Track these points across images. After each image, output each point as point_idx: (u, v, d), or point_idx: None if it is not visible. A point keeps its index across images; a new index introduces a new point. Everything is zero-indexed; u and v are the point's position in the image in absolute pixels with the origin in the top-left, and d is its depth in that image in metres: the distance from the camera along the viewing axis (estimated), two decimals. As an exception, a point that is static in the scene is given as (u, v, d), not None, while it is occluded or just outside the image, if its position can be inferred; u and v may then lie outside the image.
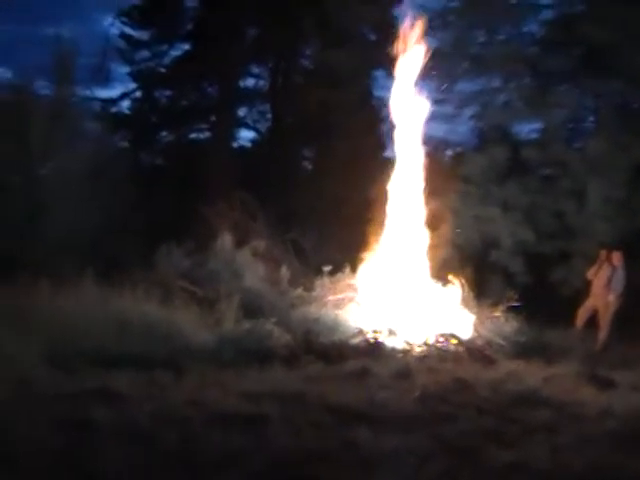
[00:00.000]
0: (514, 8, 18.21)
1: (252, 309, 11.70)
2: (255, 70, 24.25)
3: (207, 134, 23.89)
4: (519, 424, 7.20)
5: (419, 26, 17.40)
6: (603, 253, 14.07)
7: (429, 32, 17.59)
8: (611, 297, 13.65)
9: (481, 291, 13.52)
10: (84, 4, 27.13)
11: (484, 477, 5.59)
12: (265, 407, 6.91)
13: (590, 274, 14.13)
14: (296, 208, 19.00)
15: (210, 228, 14.62)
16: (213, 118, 23.40)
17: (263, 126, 24.84)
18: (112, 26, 22.79)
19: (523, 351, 11.54)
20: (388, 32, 20.67)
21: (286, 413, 6.82)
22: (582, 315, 14.00)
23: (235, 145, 23.69)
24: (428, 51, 16.11)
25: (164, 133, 23.84)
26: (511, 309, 12.87)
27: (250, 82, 24.26)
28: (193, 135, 24.07)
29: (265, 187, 19.10)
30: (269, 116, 24.82)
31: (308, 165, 24.45)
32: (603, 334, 13.53)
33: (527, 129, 18.56)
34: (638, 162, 15.88)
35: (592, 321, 13.93)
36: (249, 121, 24.81)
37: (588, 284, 14.22)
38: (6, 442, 5.51)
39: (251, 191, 15.92)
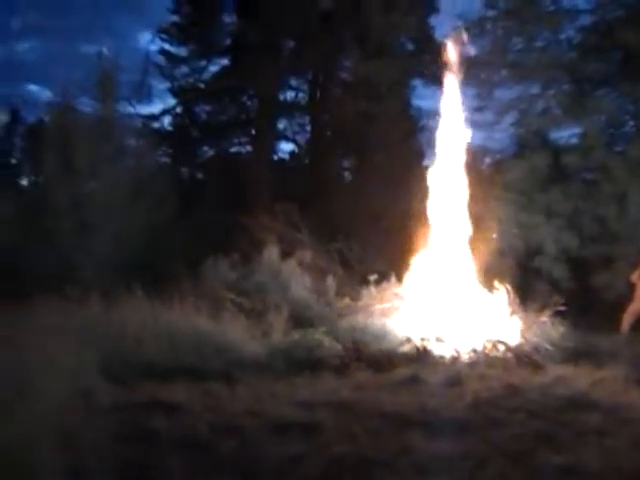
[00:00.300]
0: (551, 15, 18.22)
1: (300, 319, 11.89)
2: (294, 83, 24.46)
3: (248, 147, 24.17)
4: (570, 427, 7.27)
5: (457, 35, 17.72)
6: (644, 256, 14.13)
7: (467, 41, 17.86)
8: (655, 300, 13.66)
9: (526, 297, 13.53)
10: (122, 21, 27.65)
11: (536, 476, 5.69)
12: (320, 415, 7.06)
13: (634, 278, 14.17)
14: (338, 218, 19.17)
15: (255, 240, 14.86)
16: (253, 131, 23.67)
17: (302, 138, 25.10)
18: (152, 43, 23.21)
19: (570, 356, 11.53)
20: (426, 42, 20.98)
21: (341, 421, 6.96)
22: (627, 319, 14.03)
23: (276, 157, 23.89)
24: (467, 60, 16.32)
25: (205, 147, 24.18)
26: (557, 314, 12.88)
27: (289, 95, 24.49)
28: (234, 149, 24.34)
29: (306, 198, 19.30)
30: (308, 128, 25.06)
31: (348, 176, 24.60)
32: (650, 337, 13.52)
33: (567, 135, 18.57)
34: (680, 166, 15.86)
35: (638, 325, 13.93)
36: (289, 134, 25.08)
37: (632, 288, 14.25)
38: (75, 454, 5.68)
39: (293, 202, 16.12)
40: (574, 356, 11.48)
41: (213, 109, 24.47)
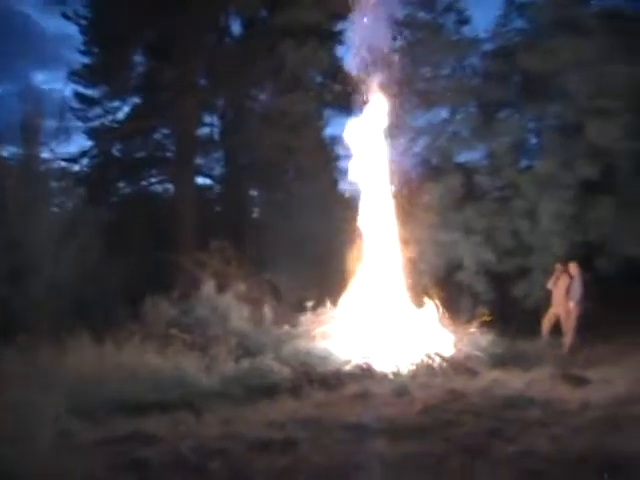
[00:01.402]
0: (455, 44, 19.25)
1: (243, 349, 12.44)
2: (208, 119, 24.92)
3: (168, 185, 24.55)
4: (514, 422, 8.16)
5: (367, 66, 18.61)
6: (560, 265, 15.19)
7: (377, 71, 18.76)
8: (571, 304, 14.77)
9: (454, 310, 14.46)
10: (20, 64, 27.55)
11: (497, 467, 6.45)
12: (291, 432, 7.72)
13: (550, 285, 15.26)
14: (265, 250, 19.74)
15: (191, 277, 15.36)
16: (172, 169, 24.01)
17: (220, 172, 25.58)
18: (66, 85, 23.31)
19: (500, 361, 12.54)
20: (337, 74, 21.78)
21: (311, 435, 7.63)
22: (547, 324, 15.18)
23: (196, 193, 24.20)
24: (378, 89, 17.16)
25: (125, 187, 24.43)
26: (484, 324, 13.84)
27: (205, 130, 24.93)
28: (155, 187, 24.68)
29: (230, 232, 19.75)
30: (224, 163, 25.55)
31: (269, 208, 25.12)
32: (568, 339, 14.58)
33: (478, 156, 19.53)
34: (583, 179, 16.96)
35: (557, 328, 14.98)
36: (206, 169, 25.51)
37: (549, 295, 15.31)
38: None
39: (217, 237, 16.60)
40: (504, 361, 12.50)
41: (129, 148, 24.72)
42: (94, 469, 6.66)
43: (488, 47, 19.72)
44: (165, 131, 24.58)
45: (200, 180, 25.13)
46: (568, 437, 7.35)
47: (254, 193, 26.49)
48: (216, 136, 25.64)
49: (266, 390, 10.35)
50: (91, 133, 24.14)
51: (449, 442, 7.28)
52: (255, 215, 25.38)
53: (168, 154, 24.67)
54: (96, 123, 24.13)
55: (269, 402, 9.71)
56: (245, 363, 11.54)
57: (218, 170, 25.99)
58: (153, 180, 25.05)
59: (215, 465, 6.68)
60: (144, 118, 23.66)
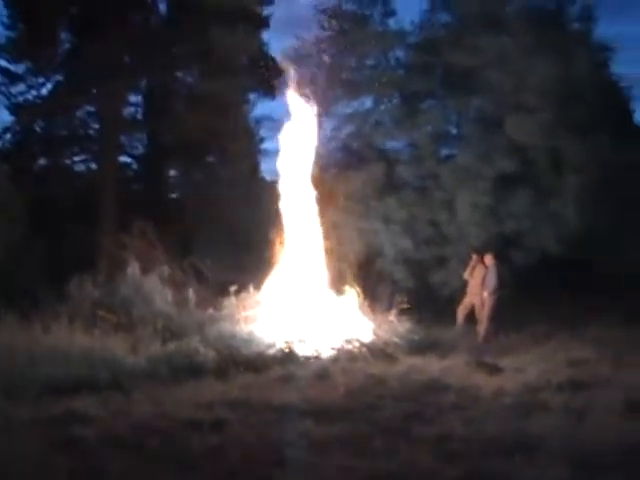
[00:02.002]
0: (380, 35, 19.69)
1: (170, 331, 12.67)
2: (133, 99, 24.83)
3: (91, 164, 24.42)
4: (432, 406, 8.66)
5: (294, 54, 18.94)
6: (476, 255, 15.76)
7: (304, 59, 19.09)
8: (485, 294, 15.33)
9: (374, 297, 14.91)
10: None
11: (419, 447, 6.89)
12: (221, 413, 8.04)
13: (466, 275, 15.82)
14: (189, 233, 19.90)
15: (116, 258, 15.47)
16: (96, 147, 23.89)
17: (144, 153, 25.51)
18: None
19: (418, 348, 13.08)
20: (265, 59, 22.01)
21: (240, 416, 7.97)
22: (462, 312, 15.72)
23: (119, 173, 24.11)
24: (304, 77, 17.47)
25: (49, 165, 24.20)
26: (402, 312, 14.35)
27: (128, 110, 24.82)
28: (78, 167, 24.51)
29: (152, 213, 19.80)
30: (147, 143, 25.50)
31: (194, 190, 25.17)
32: (483, 327, 15.18)
33: (400, 146, 20.05)
34: (501, 171, 17.64)
35: (472, 317, 15.59)
36: (129, 149, 25.42)
37: (465, 284, 15.89)
38: (10, 465, 6.31)
39: (141, 218, 16.70)
40: (421, 348, 13.07)
41: (53, 125, 24.47)
42: (30, 449, 6.82)
43: (413, 40, 20.25)
44: (90, 109, 24.35)
45: (123, 160, 25.02)
46: (482, 421, 7.85)
47: (177, 174, 26.47)
48: (140, 116, 25.51)
49: (193, 371, 10.65)
50: (14, 109, 23.80)
51: (372, 424, 7.71)
52: (178, 197, 25.38)
53: (91, 132, 24.48)
54: (19, 99, 23.79)
55: (196, 383, 10.01)
56: (171, 345, 11.76)
57: (141, 150, 25.88)
58: (76, 159, 24.81)
59: (151, 443, 6.93)
60: (68, 96, 23.44)
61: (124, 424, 7.70)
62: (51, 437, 7.24)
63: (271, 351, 12.17)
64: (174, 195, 25.93)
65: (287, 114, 16.03)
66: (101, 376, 10.06)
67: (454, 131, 20.40)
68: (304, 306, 13.88)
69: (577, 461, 6.30)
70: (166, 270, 15.17)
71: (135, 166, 26.08)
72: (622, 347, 12.72)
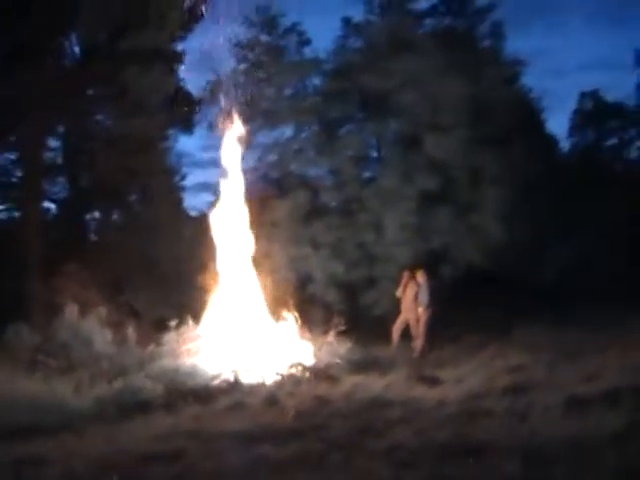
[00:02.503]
0: (296, 65, 20.08)
1: (114, 370, 12.75)
2: (53, 143, 24.67)
3: (13, 212, 24.19)
4: (380, 421, 8.95)
5: (212, 88, 19.20)
6: (407, 273, 16.17)
7: (222, 92, 19.34)
8: (420, 310, 15.74)
9: (310, 322, 15.20)
10: None
11: (372, 458, 7.18)
12: (176, 443, 8.20)
13: (398, 293, 16.20)
14: (117, 273, 19.86)
15: (50, 303, 15.45)
16: (18, 194, 23.66)
17: (65, 196, 25.37)
18: None
19: (358, 367, 13.40)
20: (181, 95, 22.18)
21: (197, 445, 8.14)
22: (397, 329, 16.11)
23: (42, 218, 23.92)
24: (224, 110, 17.72)
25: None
26: (339, 333, 14.66)
27: (49, 155, 24.66)
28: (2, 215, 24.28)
29: (79, 256, 19.74)
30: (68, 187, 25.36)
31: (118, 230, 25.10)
32: (419, 342, 15.57)
33: (323, 172, 20.39)
34: (423, 190, 18.13)
35: (406, 333, 15.98)
36: (51, 194, 25.25)
37: (396, 302, 16.27)
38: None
39: (67, 261, 16.71)
40: (361, 367, 13.42)
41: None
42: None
43: (328, 67, 20.68)
44: (9, 156, 24.13)
45: (45, 205, 24.81)
46: (430, 430, 8.18)
47: (100, 216, 26.35)
48: (60, 160, 25.36)
49: (141, 407, 10.73)
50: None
51: (325, 442, 7.96)
52: (103, 238, 25.27)
53: (13, 180, 24.26)
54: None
55: (146, 418, 10.11)
56: (116, 383, 11.84)
57: (63, 194, 25.72)
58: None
59: (112, 478, 7.05)
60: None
61: (81, 463, 7.77)
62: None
63: (216, 381, 12.35)
64: (98, 237, 25.76)
65: (207, 149, 16.20)
66: (50, 419, 10.08)
67: (374, 154, 20.89)
68: (244, 335, 14.11)
69: (525, 458, 6.68)
70: (102, 311, 15.21)
71: (57, 210, 25.89)
72: (552, 351, 13.22)
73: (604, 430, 7.59)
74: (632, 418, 7.98)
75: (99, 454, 8.15)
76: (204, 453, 7.77)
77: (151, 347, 14.15)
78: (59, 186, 25.48)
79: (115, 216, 25.58)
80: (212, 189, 16.27)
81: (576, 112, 33.25)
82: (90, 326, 14.70)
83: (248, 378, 12.49)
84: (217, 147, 16.63)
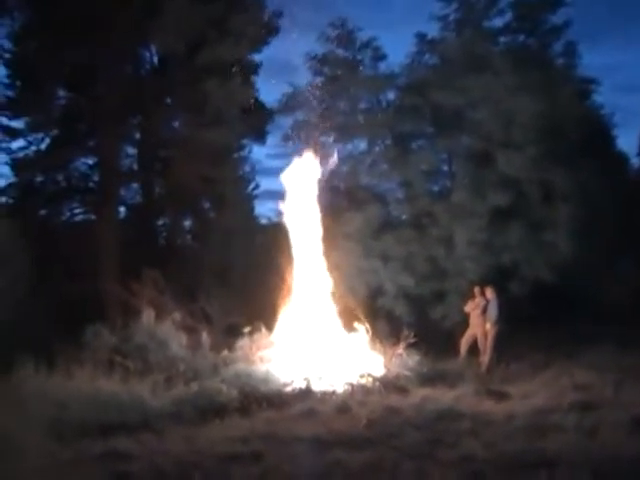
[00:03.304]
0: (371, 79, 20.35)
1: (190, 373, 13.19)
2: (130, 150, 25.35)
3: (91, 215, 24.89)
4: (450, 432, 9.20)
5: (288, 100, 19.60)
6: (476, 288, 16.34)
7: (298, 105, 19.78)
8: (488, 325, 15.89)
9: (381, 333, 15.47)
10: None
11: (444, 467, 7.42)
12: (254, 446, 8.56)
13: (467, 308, 16.37)
14: (192, 279, 20.35)
15: (128, 306, 15.96)
16: (96, 199, 24.34)
17: (141, 202, 26.02)
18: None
19: (427, 379, 13.66)
20: (256, 106, 22.65)
21: (273, 448, 8.48)
22: (465, 344, 16.27)
23: (119, 223, 24.56)
24: (300, 123, 18.10)
25: (50, 218, 24.67)
26: (409, 346, 14.89)
27: (126, 162, 25.35)
28: (79, 217, 25.00)
29: (156, 261, 20.25)
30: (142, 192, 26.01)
31: (193, 236, 25.68)
32: (486, 357, 15.72)
33: (394, 185, 20.63)
34: (494, 206, 18.26)
35: (474, 348, 16.14)
36: (127, 199, 25.93)
37: (466, 317, 16.44)
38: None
39: (142, 266, 17.19)
40: (430, 379, 13.67)
41: (51, 180, 24.95)
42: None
43: (402, 82, 20.92)
44: (87, 162, 24.88)
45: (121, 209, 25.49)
46: (500, 442, 8.40)
47: (172, 222, 26.91)
48: (135, 166, 26.00)
49: (216, 411, 11.14)
50: (14, 165, 24.31)
51: (398, 450, 8.23)
52: (178, 244, 25.85)
53: (90, 184, 24.99)
54: (19, 155, 24.30)
55: (222, 421, 10.52)
56: (193, 386, 12.26)
57: (136, 200, 26.38)
58: (77, 211, 25.30)
59: (194, 476, 7.42)
60: (65, 149, 23.99)
61: (165, 461, 8.17)
62: (99, 474, 7.72)
63: (289, 388, 12.71)
64: (170, 242, 26.34)
65: (278, 157, 16.55)
66: (130, 418, 10.55)
67: (446, 168, 21.01)
68: (315, 344, 14.43)
69: (595, 472, 6.86)
70: (177, 315, 15.66)
71: (129, 214, 26.53)
72: (619, 371, 13.31)
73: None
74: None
75: (179, 453, 8.55)
76: (281, 456, 8.10)
77: (224, 352, 14.57)
78: (133, 191, 26.21)
79: (187, 222, 26.17)
80: (281, 197, 16.60)
81: (646, 130, 33.19)
82: (165, 330, 15.13)
83: (319, 386, 12.83)
84: (287, 155, 16.89)
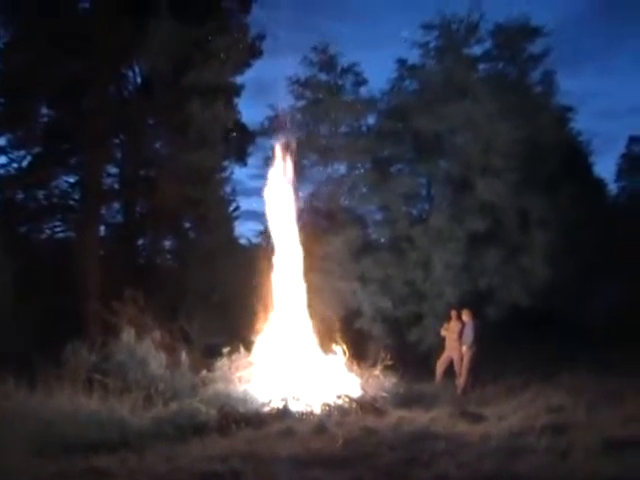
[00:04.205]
0: (352, 103, 20.61)
1: (169, 392, 13.32)
2: (112, 170, 25.45)
3: (70, 233, 24.94)
4: (425, 453, 9.38)
5: (269, 123, 19.81)
6: (453, 312, 16.58)
7: (279, 128, 19.95)
8: (464, 348, 16.12)
9: (358, 355, 15.66)
10: None
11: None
12: (233, 465, 8.70)
13: (443, 331, 16.61)
14: (172, 299, 20.44)
15: (106, 323, 16.06)
16: (77, 217, 24.40)
17: (122, 221, 26.12)
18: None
19: (403, 401, 13.89)
20: (237, 128, 22.87)
21: (252, 467, 8.64)
22: (441, 366, 16.51)
23: (100, 242, 24.61)
24: (278, 144, 18.28)
25: (31, 235, 24.71)
26: (386, 367, 15.11)
27: (108, 180, 25.42)
28: (59, 235, 25.04)
29: (134, 281, 20.31)
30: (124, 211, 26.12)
31: (173, 257, 25.80)
32: (462, 380, 15.94)
33: (374, 208, 20.86)
34: (472, 231, 18.52)
35: (450, 371, 16.36)
36: (108, 218, 26.00)
37: (441, 340, 16.66)
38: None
39: (123, 285, 17.28)
40: (406, 401, 13.89)
41: (34, 196, 24.97)
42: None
43: (382, 107, 21.19)
44: (69, 180, 24.94)
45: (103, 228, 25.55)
46: (474, 463, 8.60)
47: (153, 242, 27.00)
48: (117, 186, 26.09)
49: (195, 430, 11.29)
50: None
51: (374, 469, 8.42)
52: (158, 264, 25.94)
53: (71, 203, 25.05)
54: (0, 171, 24.32)
55: (201, 440, 10.64)
56: (172, 405, 12.39)
57: (117, 219, 26.47)
58: (58, 229, 25.36)
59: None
60: (47, 167, 24.07)
61: (145, 479, 8.30)
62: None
63: (267, 408, 12.88)
64: (150, 262, 26.40)
65: (258, 177, 16.73)
66: (110, 436, 10.69)
67: (425, 193, 21.27)
68: (294, 365, 14.61)
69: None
70: (157, 335, 15.78)
71: (109, 234, 26.57)
72: (593, 394, 13.51)
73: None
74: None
75: (160, 471, 8.69)
76: (260, 475, 8.27)
77: (204, 372, 14.71)
78: (114, 211, 26.28)
79: (168, 242, 26.27)
80: (260, 219, 16.77)
81: (624, 156, 33.70)
82: (145, 349, 15.24)
83: (297, 406, 13.00)
84: (268, 177, 17.04)
